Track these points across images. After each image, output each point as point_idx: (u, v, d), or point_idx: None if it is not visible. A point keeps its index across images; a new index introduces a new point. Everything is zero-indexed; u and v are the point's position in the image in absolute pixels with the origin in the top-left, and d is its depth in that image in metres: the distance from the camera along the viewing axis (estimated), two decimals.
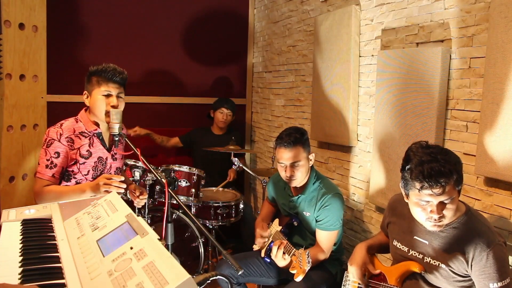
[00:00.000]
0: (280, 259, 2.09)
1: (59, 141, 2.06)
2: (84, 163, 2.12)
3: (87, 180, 2.15)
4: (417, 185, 1.53)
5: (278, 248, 2.10)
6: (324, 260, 2.26)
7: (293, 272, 1.97)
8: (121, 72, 2.13)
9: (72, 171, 2.12)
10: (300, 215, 2.36)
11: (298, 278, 1.94)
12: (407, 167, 1.58)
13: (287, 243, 2.16)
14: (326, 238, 2.24)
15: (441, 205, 1.54)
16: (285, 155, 2.23)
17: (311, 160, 2.31)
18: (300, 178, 2.27)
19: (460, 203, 1.67)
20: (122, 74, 2.13)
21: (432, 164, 1.50)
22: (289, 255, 2.09)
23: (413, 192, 1.57)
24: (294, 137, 2.22)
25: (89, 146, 2.15)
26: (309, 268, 1.92)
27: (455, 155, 1.57)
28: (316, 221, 2.27)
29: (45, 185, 2.06)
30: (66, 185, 2.13)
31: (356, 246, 1.97)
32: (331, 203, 2.24)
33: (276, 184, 2.55)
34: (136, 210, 2.46)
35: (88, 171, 2.14)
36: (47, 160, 2.06)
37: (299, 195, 2.34)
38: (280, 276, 2.43)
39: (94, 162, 2.16)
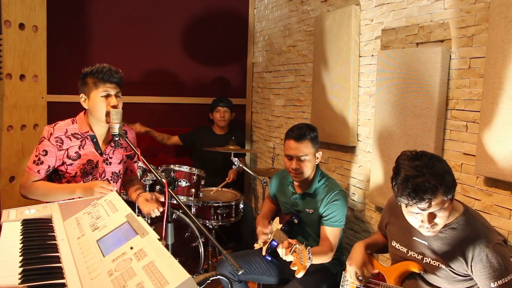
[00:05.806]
0: (289, 258, 2.06)
1: (49, 140, 2.07)
2: (71, 164, 2.11)
3: (75, 181, 2.13)
4: (404, 201, 1.53)
5: (284, 248, 2.02)
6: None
7: (294, 268, 1.96)
8: (116, 71, 2.10)
9: (61, 170, 2.12)
10: (302, 213, 2.35)
11: (299, 275, 1.93)
12: (394, 182, 1.57)
13: (289, 242, 2.12)
14: (333, 234, 2.24)
15: (432, 215, 1.55)
16: (293, 147, 2.27)
17: (317, 158, 2.33)
18: (306, 173, 2.28)
19: (457, 203, 1.67)
20: (118, 73, 2.11)
21: (417, 179, 1.48)
22: (290, 252, 2.08)
23: (403, 205, 1.58)
24: (305, 131, 2.27)
25: (79, 148, 2.13)
26: (310, 264, 1.92)
27: (441, 165, 1.54)
28: (322, 217, 2.27)
29: (32, 180, 2.08)
30: (58, 183, 2.13)
31: (355, 244, 1.96)
32: (339, 199, 2.25)
33: (279, 181, 2.55)
34: (136, 210, 2.45)
35: (76, 173, 2.12)
36: (36, 156, 2.08)
37: (304, 192, 2.35)
38: (281, 276, 2.43)
39: (83, 164, 2.13)
